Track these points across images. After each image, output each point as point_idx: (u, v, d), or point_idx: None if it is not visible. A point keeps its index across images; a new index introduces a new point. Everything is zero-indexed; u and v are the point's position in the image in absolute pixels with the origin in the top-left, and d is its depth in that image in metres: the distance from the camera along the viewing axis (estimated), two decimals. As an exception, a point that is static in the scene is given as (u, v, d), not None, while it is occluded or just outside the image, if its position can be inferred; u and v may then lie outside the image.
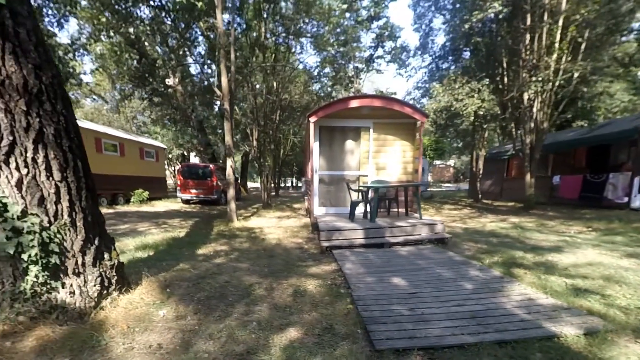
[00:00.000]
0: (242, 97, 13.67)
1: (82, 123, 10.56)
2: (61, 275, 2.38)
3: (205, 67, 14.42)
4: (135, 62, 16.23)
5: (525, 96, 8.58)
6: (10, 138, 2.02)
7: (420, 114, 6.60)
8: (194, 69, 16.89)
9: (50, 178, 2.24)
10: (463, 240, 5.90)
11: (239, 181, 19.26)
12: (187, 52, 14.39)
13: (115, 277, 2.79)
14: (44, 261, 2.24)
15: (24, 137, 2.08)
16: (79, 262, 2.45)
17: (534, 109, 8.79)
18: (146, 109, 16.98)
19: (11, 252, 2.09)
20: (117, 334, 2.31)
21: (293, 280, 3.76)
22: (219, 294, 3.23)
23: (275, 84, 11.28)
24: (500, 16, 7.60)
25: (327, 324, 2.60)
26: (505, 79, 9.33)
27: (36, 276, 2.23)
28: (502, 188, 13.59)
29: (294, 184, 47.05)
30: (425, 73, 12.90)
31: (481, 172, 12.96)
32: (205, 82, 16.11)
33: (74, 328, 2.31)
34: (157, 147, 14.49)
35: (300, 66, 13.94)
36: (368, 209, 6.64)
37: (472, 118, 8.50)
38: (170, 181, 20.61)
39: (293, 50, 12.93)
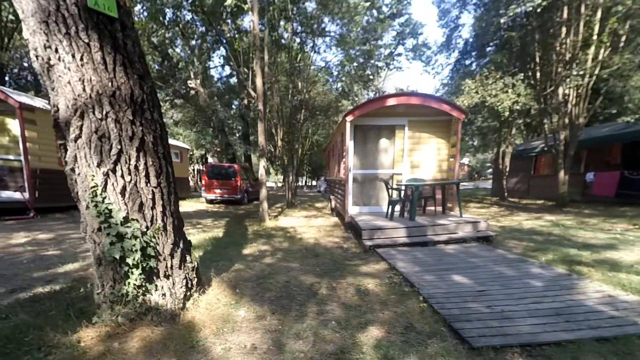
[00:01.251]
0: (269, 97, 13.75)
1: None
2: (154, 277, 2.44)
3: (226, 68, 14.54)
4: (156, 65, 16.56)
5: (560, 91, 8.38)
6: (119, 147, 2.07)
7: (459, 110, 6.52)
8: (214, 72, 17.15)
9: (148, 184, 2.30)
10: (505, 238, 5.81)
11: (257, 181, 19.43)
12: (211, 54, 14.59)
13: (195, 279, 2.85)
14: (144, 265, 2.30)
15: (129, 145, 2.13)
16: (169, 265, 2.51)
17: (569, 104, 8.57)
18: (168, 110, 17.30)
19: (117, 256, 2.15)
20: (209, 335, 2.35)
21: (350, 279, 3.77)
22: (286, 294, 3.27)
23: (300, 83, 11.33)
24: (536, 9, 7.41)
25: (406, 322, 2.60)
26: (538, 74, 9.12)
27: (136, 279, 2.30)
28: (529, 186, 13.30)
29: (307, 183, 47.17)
30: (451, 70, 12.72)
31: (507, 169, 12.70)
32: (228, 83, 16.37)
33: (168, 329, 2.36)
34: (181, 148, 14.73)
35: (322, 65, 13.96)
36: (406, 208, 6.61)
37: (507, 113, 8.34)
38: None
39: (317, 50, 12.96)
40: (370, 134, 7.33)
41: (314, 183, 34.37)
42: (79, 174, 2.12)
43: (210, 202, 14.31)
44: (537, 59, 9.01)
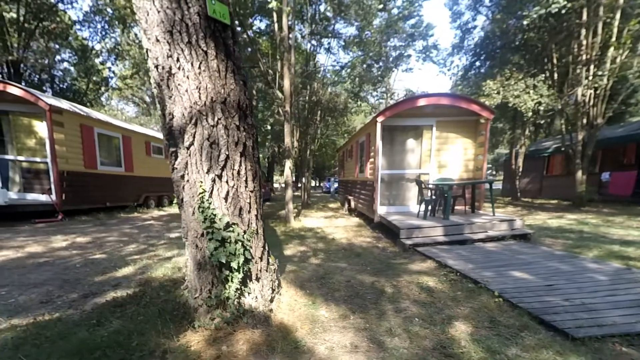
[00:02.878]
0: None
1: (135, 127, 10.80)
2: (247, 281, 2.46)
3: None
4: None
5: (579, 91, 8.52)
6: (226, 153, 2.10)
7: (488, 111, 6.61)
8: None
9: (246, 188, 2.32)
10: (539, 236, 5.88)
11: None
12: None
13: (277, 281, 2.88)
14: (244, 268, 2.32)
15: (234, 151, 2.15)
16: (259, 268, 2.54)
17: (587, 105, 8.72)
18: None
19: (223, 260, 2.17)
20: (305, 335, 2.38)
21: (406, 277, 3.82)
22: (354, 293, 3.30)
23: (316, 85, 11.39)
24: (554, 11, 7.55)
25: (488, 316, 2.65)
26: (555, 75, 9.26)
27: (238, 283, 2.32)
28: (542, 186, 13.45)
29: (313, 184, 47.17)
30: (465, 69, 12.80)
31: (520, 169, 12.85)
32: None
33: (266, 331, 2.38)
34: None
35: (335, 66, 14.05)
36: (438, 207, 6.67)
37: (530, 114, 8.46)
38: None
39: (331, 51, 13.03)
40: (398, 134, 7.40)
41: (319, 184, 34.43)
42: (187, 181, 2.14)
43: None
44: (555, 60, 9.16)
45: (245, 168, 2.27)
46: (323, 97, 11.47)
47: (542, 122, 12.04)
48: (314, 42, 11.67)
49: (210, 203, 2.18)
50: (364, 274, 4.03)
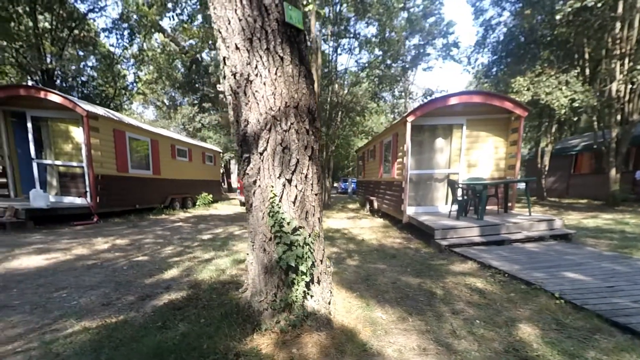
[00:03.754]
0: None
1: (161, 131, 11.02)
2: (311, 283, 2.47)
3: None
4: (184, 69, 16.84)
5: (614, 87, 8.24)
6: (297, 157, 2.11)
7: (522, 108, 6.46)
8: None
9: (312, 192, 2.34)
10: (579, 236, 5.71)
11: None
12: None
13: (332, 284, 2.88)
14: (311, 271, 2.33)
15: (303, 155, 2.16)
16: (320, 270, 2.54)
17: (622, 100, 8.42)
18: (197, 114, 17.56)
19: (293, 264, 2.18)
20: (369, 337, 2.37)
21: (451, 279, 3.79)
22: (404, 295, 3.28)
23: (336, 86, 11.39)
24: (590, 4, 7.32)
25: (551, 318, 2.60)
26: (587, 71, 8.99)
27: (304, 286, 2.33)
28: (569, 185, 13.07)
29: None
30: (493, 70, 12.56)
31: (547, 168, 12.52)
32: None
33: (330, 333, 2.38)
34: (214, 151, 14.92)
35: (355, 67, 14.02)
36: (470, 207, 6.56)
37: (564, 111, 8.23)
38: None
39: (352, 51, 13.01)
40: (426, 133, 7.32)
41: (336, 184, 34.46)
42: (259, 186, 2.16)
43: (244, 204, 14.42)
44: (587, 55, 8.89)
45: (312, 171, 2.28)
46: (343, 98, 11.44)
47: (569, 119, 11.68)
48: (333, 43, 11.67)
49: (279, 207, 2.19)
50: (406, 275, 4.00)
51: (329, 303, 2.69)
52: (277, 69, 1.90)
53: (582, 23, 8.69)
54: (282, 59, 1.90)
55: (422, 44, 14.14)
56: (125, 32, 11.81)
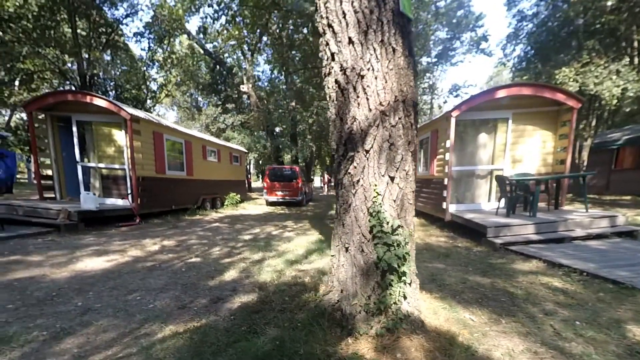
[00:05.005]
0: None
1: (194, 132, 11.16)
2: (405, 285, 2.37)
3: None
4: (207, 71, 17.03)
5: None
6: (402, 154, 2.02)
7: (575, 99, 6.15)
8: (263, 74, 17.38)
9: (411, 189, 2.25)
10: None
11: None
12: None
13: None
14: (409, 272, 2.24)
15: (406, 151, 2.08)
16: (412, 270, 2.45)
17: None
18: (220, 115, 17.76)
19: (395, 265, 2.09)
20: (469, 341, 2.26)
21: (523, 278, 3.66)
22: (482, 295, 3.17)
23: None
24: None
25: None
26: (636, 59, 8.50)
27: (402, 288, 2.24)
28: (609, 180, 12.48)
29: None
30: (532, 61, 12.06)
31: (585, 163, 11.98)
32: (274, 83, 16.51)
33: (426, 336, 2.29)
34: (240, 152, 15.03)
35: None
36: (515, 204, 6.32)
37: (615, 101, 7.82)
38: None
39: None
40: (469, 129, 7.09)
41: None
42: (362, 185, 2.08)
43: (271, 204, 14.45)
44: (636, 44, 8.39)
45: (411, 168, 2.18)
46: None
47: (618, 110, 11.09)
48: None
49: (381, 206, 2.11)
50: (471, 274, 3.87)
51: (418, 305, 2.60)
52: (389, 61, 1.81)
53: (630, 8, 8.23)
54: (394, 50, 1.81)
55: (448, 38, 13.75)
56: (156, 36, 12.01)
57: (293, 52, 10.24)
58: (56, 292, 3.12)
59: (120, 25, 11.98)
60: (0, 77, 11.58)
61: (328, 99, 2.08)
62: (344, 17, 1.75)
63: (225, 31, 10.34)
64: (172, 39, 13.30)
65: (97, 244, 5.30)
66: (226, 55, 16.68)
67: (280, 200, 13.95)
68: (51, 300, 2.94)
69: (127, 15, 11.87)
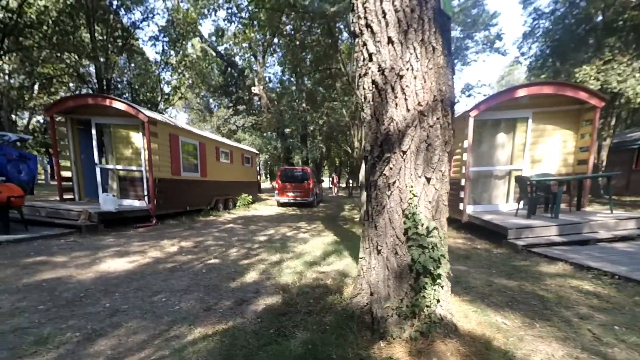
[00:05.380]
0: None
1: (208, 134, 11.26)
2: (439, 288, 2.33)
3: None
4: (219, 73, 17.18)
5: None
6: (439, 154, 1.99)
7: (599, 97, 6.00)
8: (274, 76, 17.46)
9: (446, 190, 2.21)
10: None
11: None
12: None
13: None
14: (443, 275, 2.20)
15: (442, 152, 2.04)
16: (446, 273, 2.40)
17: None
18: (231, 116, 17.90)
19: (431, 267, 2.05)
20: (506, 345, 2.21)
21: (551, 281, 3.58)
22: (511, 298, 3.11)
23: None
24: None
25: None
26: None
27: (436, 290, 2.20)
28: (629, 181, 12.15)
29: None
30: (549, 59, 11.82)
31: (604, 163, 11.69)
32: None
33: (460, 340, 2.24)
34: (252, 153, 15.11)
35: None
36: (536, 205, 6.18)
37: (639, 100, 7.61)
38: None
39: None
40: (487, 129, 6.97)
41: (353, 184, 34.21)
42: (397, 187, 2.04)
43: (282, 205, 14.48)
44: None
45: (447, 168, 2.14)
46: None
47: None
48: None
49: (416, 208, 2.07)
50: (496, 277, 3.81)
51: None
52: (428, 60, 1.78)
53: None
54: (434, 49, 1.78)
55: (461, 37, 13.59)
56: (170, 39, 12.20)
57: (304, 53, 10.24)
58: (84, 293, 3.15)
59: (136, 30, 12.22)
60: (21, 81, 11.94)
61: (362, 100, 2.06)
62: (384, 17, 1.72)
63: (239, 34, 10.37)
64: (185, 42, 13.47)
65: (117, 244, 5.36)
66: (237, 57, 16.82)
67: (292, 201, 13.97)
68: (80, 301, 2.97)
69: (143, 19, 12.10)
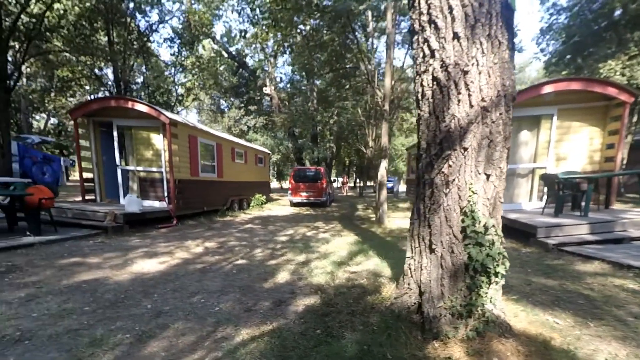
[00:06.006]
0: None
1: (223, 134, 11.32)
2: (494, 286, 2.29)
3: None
4: (231, 74, 17.22)
5: None
6: (500, 150, 1.95)
7: (628, 93, 5.86)
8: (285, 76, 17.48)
9: (501, 187, 2.18)
10: None
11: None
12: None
13: None
14: (501, 273, 2.16)
15: (503, 148, 2.01)
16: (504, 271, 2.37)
17: None
18: (243, 117, 18.02)
19: (491, 266, 2.02)
20: (565, 345, 2.16)
21: (592, 280, 3.55)
22: (556, 297, 3.09)
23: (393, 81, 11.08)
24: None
25: None
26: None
27: (494, 289, 2.16)
28: (650, 177, 11.87)
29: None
30: (567, 56, 11.60)
31: (625, 161, 11.43)
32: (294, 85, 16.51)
33: (517, 340, 2.20)
34: (264, 153, 15.15)
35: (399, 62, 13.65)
36: (563, 203, 6.07)
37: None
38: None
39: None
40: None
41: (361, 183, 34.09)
42: (456, 184, 2.01)
43: (295, 205, 14.47)
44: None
45: (505, 165, 2.11)
46: (400, 95, 11.13)
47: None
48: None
49: (475, 205, 2.04)
50: (532, 276, 3.77)
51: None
52: (494, 55, 1.76)
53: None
54: (500, 44, 1.75)
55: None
56: (185, 41, 12.31)
57: (318, 54, 10.22)
58: (124, 295, 3.17)
59: (153, 32, 12.36)
60: (42, 84, 12.16)
61: (420, 97, 2.03)
62: (450, 12, 1.69)
63: (260, 33, 10.37)
64: (198, 45, 13.56)
65: (144, 245, 5.40)
66: (248, 58, 16.91)
67: (305, 201, 13.95)
68: (122, 302, 2.99)
69: (160, 22, 12.21)
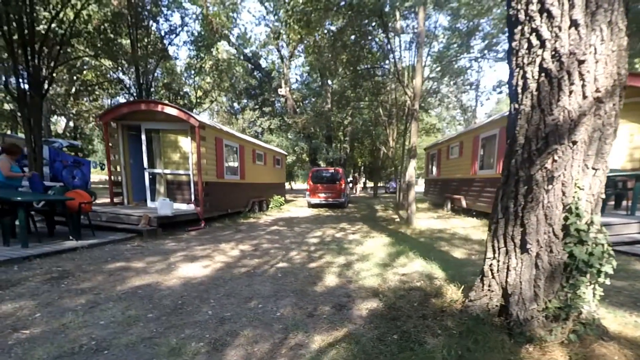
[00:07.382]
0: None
1: (245, 136, 11.31)
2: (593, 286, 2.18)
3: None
4: (248, 75, 17.25)
5: None
6: (610, 143, 1.87)
7: (673, 88, 5.65)
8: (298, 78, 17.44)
9: (604, 182, 2.07)
10: None
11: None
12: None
13: None
14: (608, 272, 2.04)
15: (612, 140, 1.91)
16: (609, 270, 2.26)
17: None
18: (258, 118, 18.04)
19: (597, 265, 1.92)
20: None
21: None
22: (632, 298, 3.00)
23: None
24: None
25: None
26: None
27: (596, 290, 2.05)
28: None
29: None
30: None
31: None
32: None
33: (620, 344, 2.08)
34: (281, 155, 15.11)
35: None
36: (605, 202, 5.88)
37: None
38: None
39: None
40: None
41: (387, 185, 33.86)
42: (560, 180, 1.91)
43: (313, 206, 14.37)
44: None
45: (609, 159, 2.01)
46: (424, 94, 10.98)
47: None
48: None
49: (579, 201, 1.94)
50: (596, 280, 3.60)
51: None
52: (613, 42, 1.66)
53: None
54: (619, 30, 1.65)
55: (494, 32, 13.26)
56: (205, 43, 12.37)
57: (343, 56, 10.14)
58: (181, 300, 3.11)
59: (174, 36, 12.47)
60: (67, 87, 12.35)
61: (520, 90, 1.92)
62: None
63: (291, 32, 10.33)
64: (216, 46, 13.62)
65: (180, 249, 5.37)
66: (263, 59, 16.94)
67: (323, 202, 13.86)
68: (182, 308, 2.93)
69: (181, 25, 12.32)
